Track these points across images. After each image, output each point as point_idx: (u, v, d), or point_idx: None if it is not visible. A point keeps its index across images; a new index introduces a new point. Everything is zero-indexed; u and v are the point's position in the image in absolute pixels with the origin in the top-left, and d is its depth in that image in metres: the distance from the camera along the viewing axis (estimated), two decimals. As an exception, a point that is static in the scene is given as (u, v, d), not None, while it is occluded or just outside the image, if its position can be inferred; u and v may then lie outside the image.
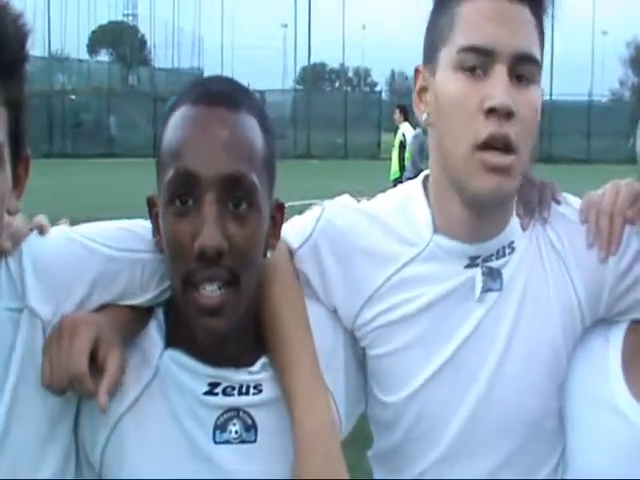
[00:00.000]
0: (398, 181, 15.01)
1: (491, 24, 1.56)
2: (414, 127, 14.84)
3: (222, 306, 1.47)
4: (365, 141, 44.31)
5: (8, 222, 1.49)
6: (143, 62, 73.02)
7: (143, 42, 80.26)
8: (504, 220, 1.68)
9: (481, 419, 1.67)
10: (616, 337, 1.68)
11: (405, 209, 1.73)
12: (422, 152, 14.00)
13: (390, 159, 16.45)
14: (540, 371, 1.68)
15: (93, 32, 80.00)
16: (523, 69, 1.57)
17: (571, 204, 1.74)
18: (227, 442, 1.57)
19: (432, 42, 1.65)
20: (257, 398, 1.59)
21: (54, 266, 1.53)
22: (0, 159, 1.40)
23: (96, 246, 1.56)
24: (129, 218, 1.66)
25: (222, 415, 1.57)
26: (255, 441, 1.58)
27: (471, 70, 1.57)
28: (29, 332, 1.49)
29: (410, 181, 1.80)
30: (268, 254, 1.61)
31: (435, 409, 1.69)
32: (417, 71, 1.69)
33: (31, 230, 1.57)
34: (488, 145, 1.55)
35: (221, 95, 1.50)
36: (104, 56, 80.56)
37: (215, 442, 1.57)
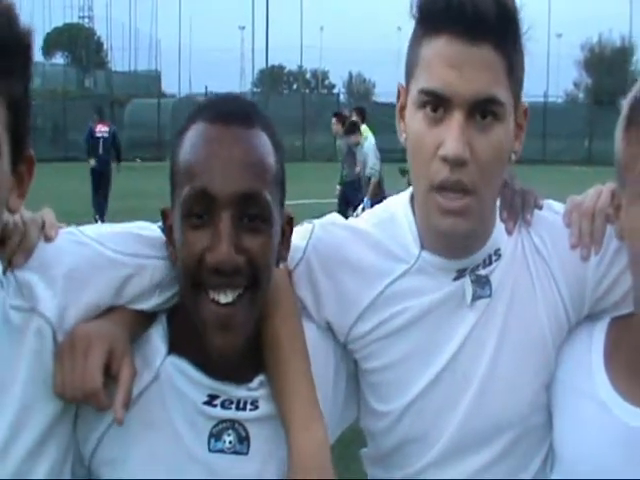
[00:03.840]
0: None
1: (447, 70, 1.54)
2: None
3: (234, 319, 1.50)
4: (323, 143, 44.30)
5: (11, 220, 1.52)
6: (100, 65, 72.36)
7: (99, 44, 79.58)
8: (486, 233, 1.71)
9: (475, 420, 1.72)
10: (598, 332, 1.73)
11: (393, 225, 1.77)
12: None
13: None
14: (529, 371, 1.73)
15: (48, 34, 79.12)
16: (485, 110, 1.56)
17: (554, 209, 1.78)
18: (221, 451, 1.60)
19: (407, 68, 1.65)
20: (253, 414, 1.62)
21: (63, 270, 1.54)
22: None
23: (107, 252, 1.58)
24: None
25: (217, 425, 1.60)
26: (247, 453, 1.61)
27: (434, 110, 1.57)
28: (37, 334, 1.50)
29: (396, 197, 1.83)
30: (281, 265, 1.65)
31: (431, 415, 1.73)
32: (399, 89, 1.70)
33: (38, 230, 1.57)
34: (442, 188, 1.58)
35: (236, 113, 1.53)
36: (59, 59, 79.79)
37: (209, 450, 1.59)
